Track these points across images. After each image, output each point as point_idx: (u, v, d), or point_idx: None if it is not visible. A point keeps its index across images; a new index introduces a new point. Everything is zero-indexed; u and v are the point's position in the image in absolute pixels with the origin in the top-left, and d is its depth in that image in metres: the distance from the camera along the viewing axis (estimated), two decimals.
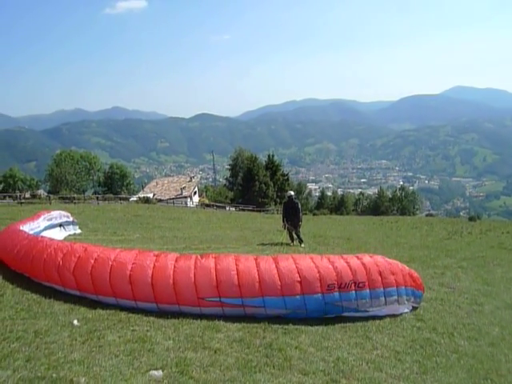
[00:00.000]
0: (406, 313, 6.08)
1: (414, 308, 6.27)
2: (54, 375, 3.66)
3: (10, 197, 32.25)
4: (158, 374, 3.81)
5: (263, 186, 53.03)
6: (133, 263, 5.60)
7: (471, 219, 36.35)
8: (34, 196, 35.89)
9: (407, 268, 6.31)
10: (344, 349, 4.71)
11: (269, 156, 59.87)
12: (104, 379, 3.66)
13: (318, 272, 5.54)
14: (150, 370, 3.87)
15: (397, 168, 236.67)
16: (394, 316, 5.89)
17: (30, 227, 9.56)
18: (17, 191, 42.74)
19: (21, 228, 8.95)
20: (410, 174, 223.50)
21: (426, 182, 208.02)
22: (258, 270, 5.50)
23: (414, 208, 73.62)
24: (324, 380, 3.96)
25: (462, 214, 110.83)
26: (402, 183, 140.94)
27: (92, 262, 5.74)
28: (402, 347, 4.89)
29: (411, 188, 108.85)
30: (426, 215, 66.36)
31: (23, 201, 28.62)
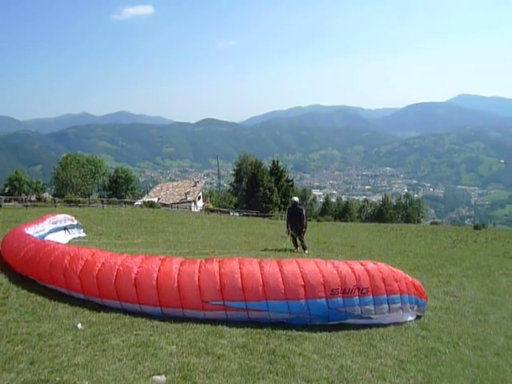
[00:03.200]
0: (411, 321, 6.03)
1: (419, 317, 6.22)
2: (58, 378, 3.67)
3: (15, 200, 32.48)
4: (161, 378, 3.80)
5: (267, 191, 53.06)
6: (139, 267, 5.64)
7: (476, 228, 36.16)
8: (39, 199, 36.18)
9: (410, 277, 6.29)
10: (348, 356, 4.68)
11: (273, 162, 59.92)
12: (107, 383, 3.67)
13: (322, 276, 5.52)
14: (153, 374, 3.87)
15: (402, 175, 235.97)
16: (398, 324, 5.84)
17: (34, 230, 9.62)
18: (22, 194, 43.10)
19: (26, 231, 9.02)
20: (415, 181, 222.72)
21: (431, 189, 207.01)
22: (261, 274, 5.50)
23: (418, 216, 73.47)
24: None
25: (467, 222, 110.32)
26: (406, 191, 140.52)
27: (99, 265, 5.78)
28: (406, 356, 4.84)
29: (416, 196, 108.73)
30: (431, 223, 65.96)
31: (29, 204, 28.84)
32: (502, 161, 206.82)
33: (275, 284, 5.42)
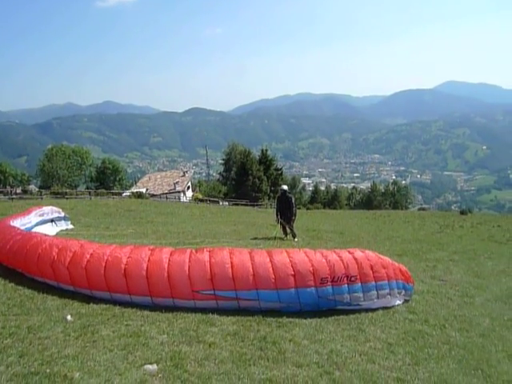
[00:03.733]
0: (399, 305, 6.15)
1: (406, 301, 6.34)
2: (48, 370, 3.65)
3: (0, 192, 31.83)
4: (153, 367, 3.82)
5: (257, 180, 53.03)
6: (128, 257, 5.61)
7: (462, 213, 36.71)
8: (25, 191, 35.58)
9: (396, 263, 6.40)
10: (337, 341, 4.76)
11: (262, 150, 59.81)
12: (98, 374, 3.66)
13: (312, 266, 5.57)
14: (145, 364, 3.88)
15: (389, 162, 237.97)
16: (386, 308, 5.95)
17: (21, 223, 9.46)
18: (7, 187, 42.26)
19: (12, 223, 8.86)
20: (403, 168, 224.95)
21: (418, 176, 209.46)
22: (252, 264, 5.53)
23: (406, 202, 74.29)
24: (318, 372, 4.00)
25: (453, 207, 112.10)
26: (394, 177, 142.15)
27: (87, 256, 5.72)
28: (394, 339, 4.94)
29: (404, 182, 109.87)
30: (419, 209, 66.90)
31: (14, 196, 28.32)
32: (483, 147, 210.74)
33: (265, 273, 5.45)
